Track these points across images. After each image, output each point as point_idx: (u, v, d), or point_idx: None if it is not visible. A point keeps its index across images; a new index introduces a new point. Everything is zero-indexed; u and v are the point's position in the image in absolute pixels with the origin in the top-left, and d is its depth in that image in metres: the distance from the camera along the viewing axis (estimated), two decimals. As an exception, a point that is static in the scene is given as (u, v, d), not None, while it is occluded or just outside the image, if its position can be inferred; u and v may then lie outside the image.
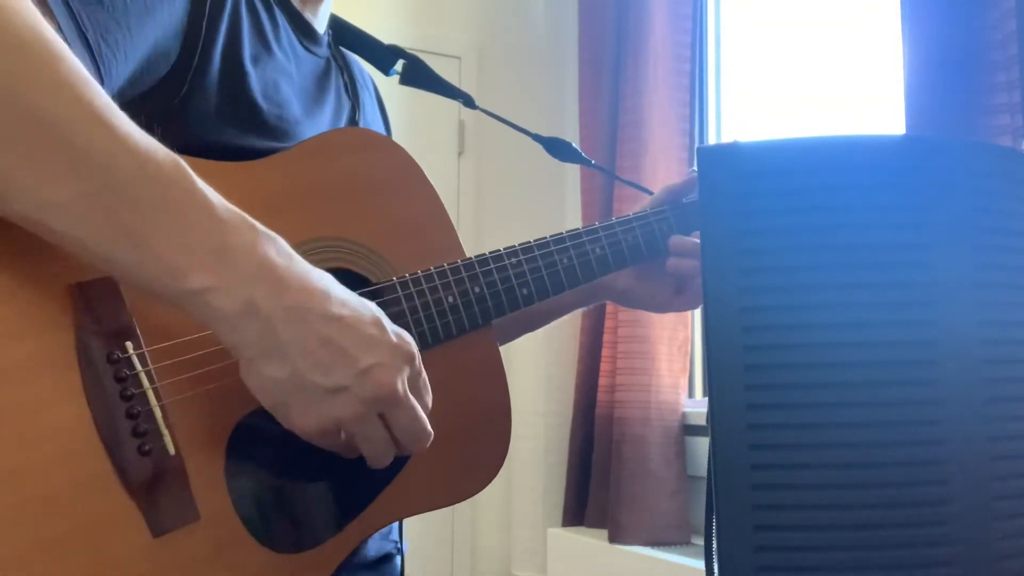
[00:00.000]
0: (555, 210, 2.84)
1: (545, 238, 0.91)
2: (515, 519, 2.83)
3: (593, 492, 2.46)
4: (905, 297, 0.57)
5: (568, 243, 0.91)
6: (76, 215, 0.59)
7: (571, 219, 2.77)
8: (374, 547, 0.91)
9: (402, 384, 0.67)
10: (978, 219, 0.59)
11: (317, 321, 0.64)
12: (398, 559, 0.96)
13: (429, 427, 0.70)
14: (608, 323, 2.44)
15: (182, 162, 0.63)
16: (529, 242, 0.90)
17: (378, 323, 0.67)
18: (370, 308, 0.68)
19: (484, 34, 3.07)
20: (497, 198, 2.92)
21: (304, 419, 0.66)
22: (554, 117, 2.83)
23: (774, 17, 2.51)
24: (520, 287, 0.87)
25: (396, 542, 0.97)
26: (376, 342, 0.66)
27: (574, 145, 1.13)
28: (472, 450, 0.84)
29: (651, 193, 1.06)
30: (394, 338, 0.67)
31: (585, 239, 0.92)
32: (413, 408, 0.68)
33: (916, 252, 0.57)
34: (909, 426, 0.57)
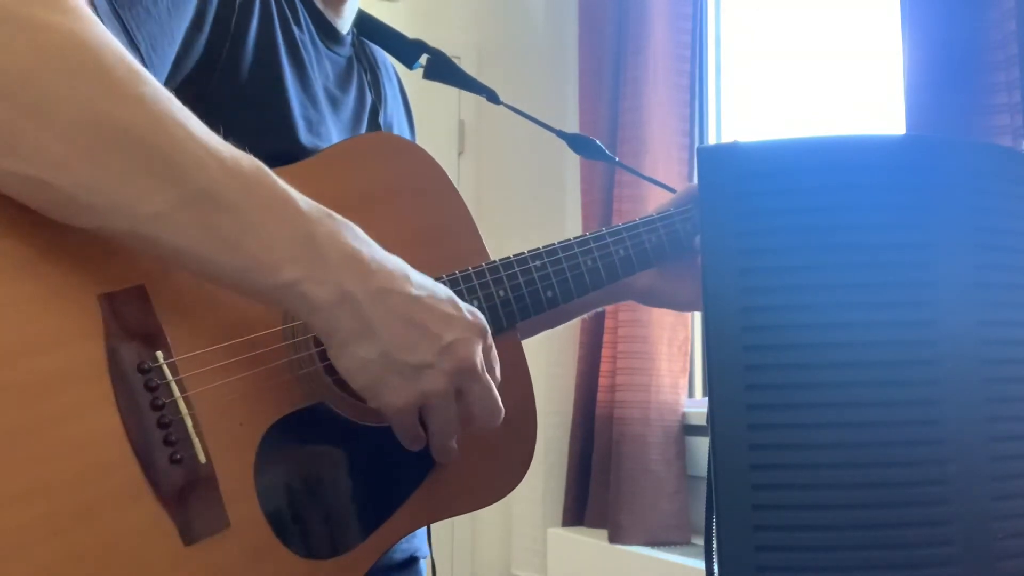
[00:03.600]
0: (555, 210, 2.83)
1: (568, 240, 0.91)
2: (515, 519, 2.83)
3: (593, 492, 2.46)
4: (905, 297, 0.57)
5: (592, 244, 0.91)
6: (174, 224, 0.61)
7: (571, 218, 2.77)
8: (399, 550, 0.92)
9: (479, 358, 0.71)
10: (978, 219, 0.59)
11: (400, 302, 0.67)
12: (422, 563, 0.97)
13: (501, 403, 0.73)
14: (608, 323, 2.44)
15: (258, 161, 0.65)
16: (553, 244, 0.90)
17: (452, 301, 0.71)
18: (443, 288, 0.72)
19: (484, 34, 3.07)
20: (497, 198, 2.92)
21: (394, 395, 0.69)
22: (554, 117, 2.80)
23: (774, 17, 2.51)
24: (544, 289, 0.88)
25: (420, 547, 0.97)
26: (453, 318, 0.70)
27: (597, 142, 1.12)
28: (499, 453, 0.85)
29: (670, 188, 1.05)
30: (468, 315, 0.71)
31: (609, 240, 0.92)
32: (489, 382, 0.72)
33: (916, 252, 0.57)
34: (909, 426, 0.57)
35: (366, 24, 1.06)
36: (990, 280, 0.59)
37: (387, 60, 1.10)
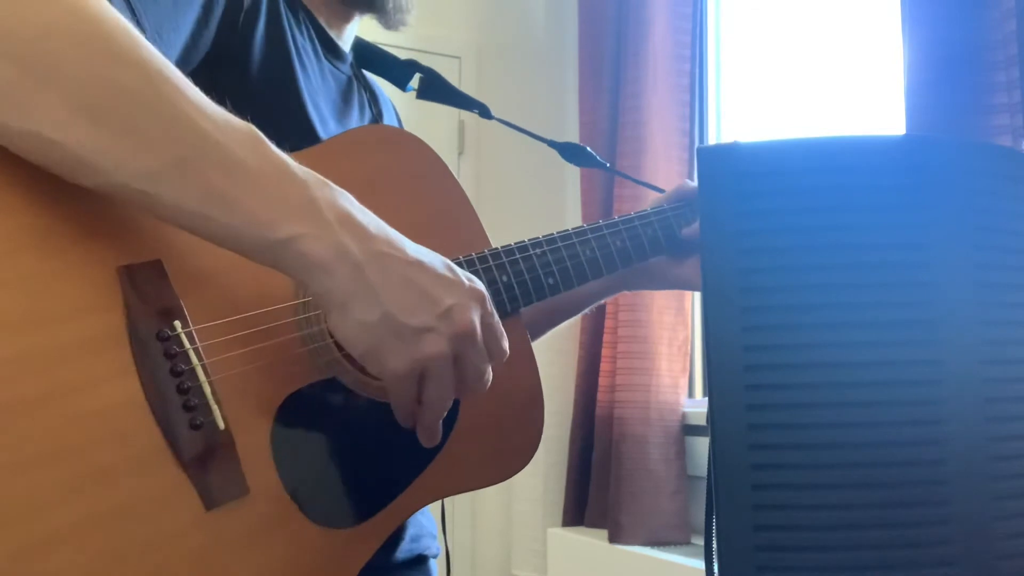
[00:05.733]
0: (555, 210, 2.84)
1: (567, 230, 0.93)
2: (515, 519, 2.83)
3: (593, 492, 2.46)
4: (905, 297, 0.57)
5: (590, 235, 0.93)
6: (169, 181, 0.62)
7: (571, 219, 2.77)
8: (405, 550, 0.92)
9: (478, 323, 0.70)
10: (978, 219, 0.59)
11: (400, 265, 0.67)
12: (432, 562, 0.97)
13: (490, 370, 0.73)
14: (608, 323, 2.44)
15: (255, 128, 0.66)
16: (552, 234, 0.91)
17: (449, 267, 0.71)
18: (438, 255, 0.71)
19: (484, 34, 3.07)
20: (497, 198, 2.92)
21: (396, 360, 0.68)
22: (554, 117, 2.83)
23: (774, 17, 2.51)
24: (546, 276, 0.89)
25: (430, 545, 0.98)
26: (452, 283, 0.69)
27: (589, 150, 1.14)
28: (507, 433, 0.86)
29: (662, 191, 1.06)
30: (466, 281, 0.71)
31: (606, 232, 0.94)
32: (483, 349, 0.71)
33: (916, 252, 0.57)
34: (909, 426, 0.57)
35: (359, 49, 1.08)
36: (990, 280, 0.59)
37: (382, 90, 1.12)
